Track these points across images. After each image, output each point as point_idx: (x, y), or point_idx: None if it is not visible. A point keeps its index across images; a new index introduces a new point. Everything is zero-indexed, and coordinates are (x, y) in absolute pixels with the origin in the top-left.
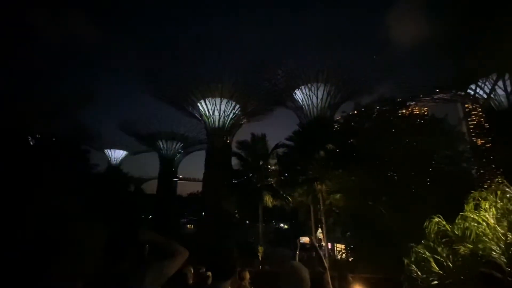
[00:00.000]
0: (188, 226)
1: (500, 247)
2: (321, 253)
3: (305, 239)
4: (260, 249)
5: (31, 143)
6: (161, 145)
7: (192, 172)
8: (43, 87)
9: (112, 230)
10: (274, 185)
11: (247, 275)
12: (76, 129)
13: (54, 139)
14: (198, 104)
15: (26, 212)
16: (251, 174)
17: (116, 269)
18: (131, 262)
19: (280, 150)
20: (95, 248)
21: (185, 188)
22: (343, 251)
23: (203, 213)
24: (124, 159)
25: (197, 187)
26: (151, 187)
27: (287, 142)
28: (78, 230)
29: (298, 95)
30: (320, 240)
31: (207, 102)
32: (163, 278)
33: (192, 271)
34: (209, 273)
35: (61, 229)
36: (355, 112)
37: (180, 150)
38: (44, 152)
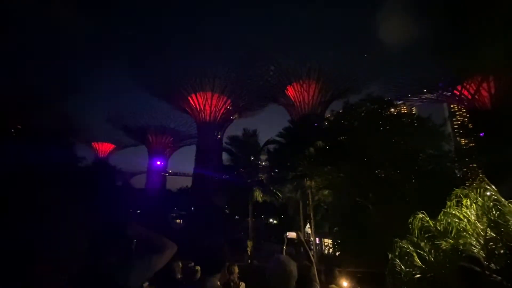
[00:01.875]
0: (177, 221)
1: (479, 242)
2: (308, 247)
3: (292, 234)
4: (249, 244)
5: (13, 134)
6: (151, 139)
7: (182, 166)
8: (28, 78)
9: (99, 225)
10: (264, 181)
11: (236, 270)
12: (62, 121)
13: (38, 130)
14: (189, 98)
15: (9, 207)
16: (241, 170)
17: (103, 264)
18: (119, 257)
19: (271, 146)
20: (82, 242)
21: (174, 183)
22: (331, 246)
23: (192, 208)
24: (112, 152)
25: (187, 181)
26: (140, 182)
27: (278, 139)
28: (65, 224)
29: (290, 91)
30: (308, 235)
31: (199, 97)
32: (151, 273)
33: (181, 266)
34: (198, 268)
35: (46, 223)
36: (346, 109)
37: (170, 145)
38: (27, 144)
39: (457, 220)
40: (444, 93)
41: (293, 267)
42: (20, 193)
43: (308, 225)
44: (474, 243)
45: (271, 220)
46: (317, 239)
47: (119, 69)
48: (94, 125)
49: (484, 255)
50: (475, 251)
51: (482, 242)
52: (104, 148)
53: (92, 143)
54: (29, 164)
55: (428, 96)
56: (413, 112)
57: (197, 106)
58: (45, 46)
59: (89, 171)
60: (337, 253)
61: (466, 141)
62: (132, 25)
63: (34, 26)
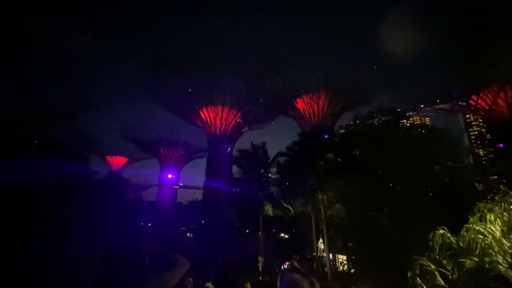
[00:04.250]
0: (188, 234)
1: (506, 260)
2: (321, 263)
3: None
4: (261, 259)
5: (31, 148)
6: (162, 152)
7: (193, 179)
8: (45, 93)
9: (111, 238)
10: (275, 194)
11: (248, 287)
12: (77, 135)
13: (55, 145)
14: (200, 112)
15: (26, 219)
16: (252, 183)
17: (116, 281)
18: (132, 274)
19: (281, 159)
20: (96, 258)
21: (185, 196)
22: (345, 262)
23: (203, 221)
24: (125, 166)
25: (198, 194)
26: (151, 195)
27: (288, 152)
28: (77, 239)
29: (299, 104)
30: (321, 250)
31: (209, 110)
32: None
33: (192, 282)
34: (209, 285)
35: (60, 236)
36: (357, 121)
37: (181, 158)
38: (44, 158)
39: (481, 237)
40: (459, 103)
41: (306, 285)
42: (36, 206)
43: (320, 240)
44: (500, 261)
45: (282, 234)
46: (331, 255)
47: (133, 84)
48: (108, 139)
49: None
50: (502, 270)
51: (510, 260)
52: (117, 161)
53: (106, 157)
54: (45, 178)
55: (442, 106)
56: (427, 123)
57: (208, 119)
58: (62, 63)
59: (103, 185)
60: (352, 270)
61: (485, 152)
62: (146, 42)
63: (52, 44)
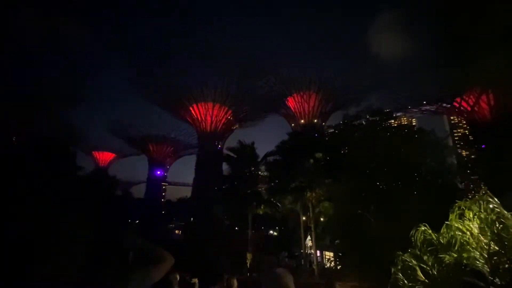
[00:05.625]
0: (176, 231)
1: (483, 256)
2: (309, 260)
3: None
4: (249, 256)
5: (15, 142)
6: (151, 148)
7: (182, 176)
8: (31, 87)
9: (97, 235)
10: (264, 192)
11: (235, 283)
12: (63, 130)
13: (39, 139)
14: (191, 109)
15: (7, 214)
16: (241, 180)
17: (100, 275)
18: (116, 268)
19: (271, 158)
20: (79, 253)
21: (174, 193)
22: (332, 259)
23: (191, 218)
24: (113, 161)
25: (187, 191)
26: (139, 191)
27: (278, 150)
28: (62, 234)
29: (290, 102)
30: (309, 247)
31: (200, 107)
32: (148, 285)
33: (178, 278)
34: (195, 280)
35: (44, 232)
36: (345, 121)
37: (170, 154)
38: (28, 152)
39: (460, 233)
40: (443, 105)
41: (289, 280)
42: (19, 201)
43: (309, 237)
44: (478, 257)
45: (271, 231)
46: (318, 252)
47: (121, 79)
48: (95, 134)
49: (488, 269)
50: (479, 265)
51: (486, 256)
52: (104, 157)
53: (93, 152)
54: (30, 172)
55: (428, 108)
56: (413, 124)
57: (198, 116)
58: (49, 56)
59: (89, 180)
60: (338, 267)
61: (467, 153)
62: (135, 36)
63: (38, 37)
